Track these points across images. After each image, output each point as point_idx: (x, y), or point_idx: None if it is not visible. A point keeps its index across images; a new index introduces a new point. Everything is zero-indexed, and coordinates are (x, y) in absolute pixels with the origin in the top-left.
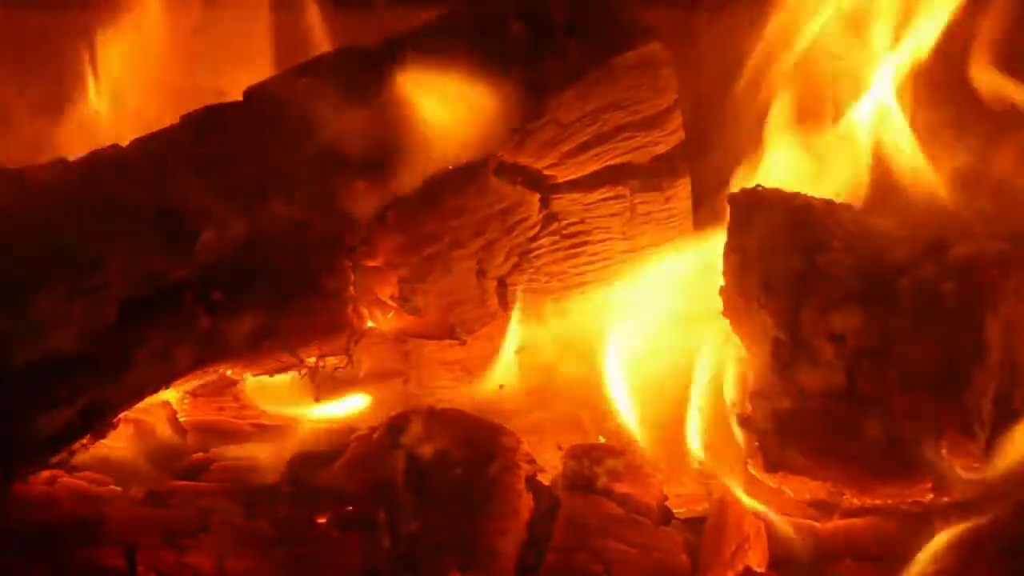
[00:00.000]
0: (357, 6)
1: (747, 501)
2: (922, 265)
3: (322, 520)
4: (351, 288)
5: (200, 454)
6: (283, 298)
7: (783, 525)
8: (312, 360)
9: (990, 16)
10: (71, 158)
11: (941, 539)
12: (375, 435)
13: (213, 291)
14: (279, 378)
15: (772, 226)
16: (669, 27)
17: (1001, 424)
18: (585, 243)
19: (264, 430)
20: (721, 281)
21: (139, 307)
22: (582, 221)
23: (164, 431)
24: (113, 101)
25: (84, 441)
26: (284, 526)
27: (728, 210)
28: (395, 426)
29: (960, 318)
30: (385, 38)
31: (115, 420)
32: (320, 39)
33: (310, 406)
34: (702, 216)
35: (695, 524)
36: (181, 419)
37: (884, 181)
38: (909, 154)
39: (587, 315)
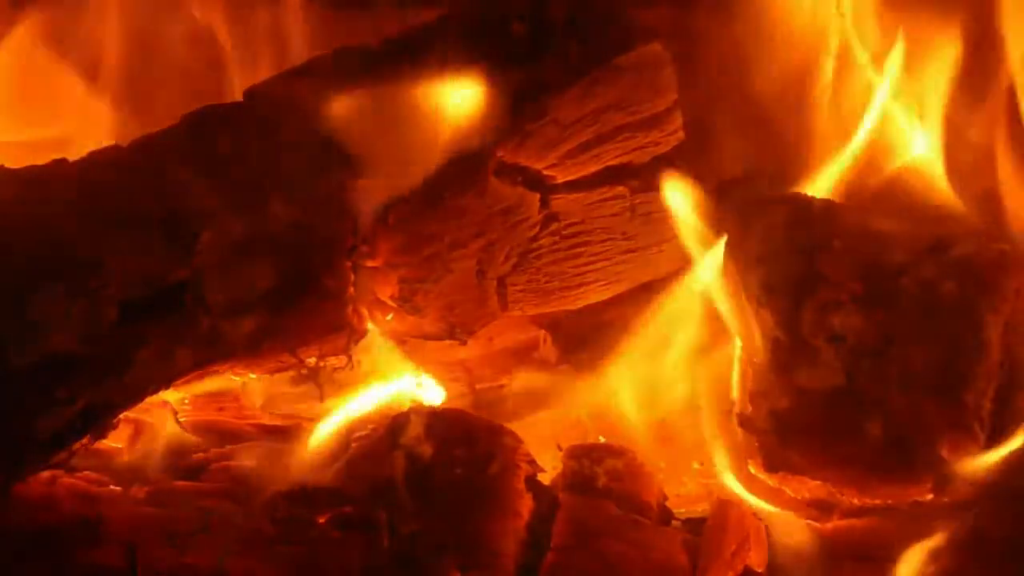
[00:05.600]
0: (357, 6)
1: (750, 501)
2: (922, 265)
3: (322, 520)
4: (351, 288)
5: (200, 454)
6: (283, 298)
7: (787, 524)
8: (312, 360)
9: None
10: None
11: (939, 539)
12: (375, 435)
13: (213, 291)
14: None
15: (772, 226)
16: (669, 27)
17: (1001, 424)
18: (585, 243)
19: (264, 430)
20: (721, 281)
21: (139, 308)
22: (582, 221)
23: (164, 431)
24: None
25: (84, 441)
26: (284, 526)
27: (728, 210)
28: (395, 426)
29: (960, 318)
30: (385, 38)
31: (115, 420)
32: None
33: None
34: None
35: (695, 524)
36: (181, 419)
37: (885, 181)
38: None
39: (587, 315)
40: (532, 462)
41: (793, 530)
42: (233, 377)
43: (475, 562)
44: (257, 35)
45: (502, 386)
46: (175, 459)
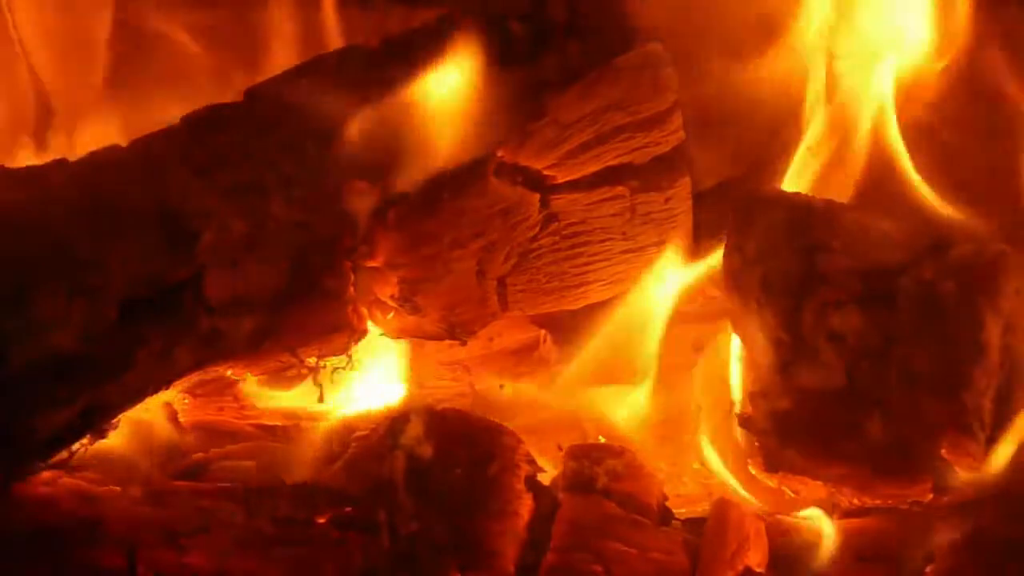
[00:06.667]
0: (357, 6)
1: (750, 501)
2: (922, 265)
3: (322, 520)
4: (351, 288)
5: (200, 454)
6: (283, 298)
7: (787, 524)
8: (312, 360)
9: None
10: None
11: (941, 539)
12: (375, 435)
13: (213, 291)
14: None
15: (772, 226)
16: (669, 26)
17: (1001, 424)
18: (585, 243)
19: (264, 430)
20: (722, 281)
21: (139, 307)
22: (582, 221)
23: (164, 431)
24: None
25: (84, 441)
26: (284, 526)
27: (728, 210)
28: (395, 426)
29: (960, 318)
30: (386, 38)
31: (115, 420)
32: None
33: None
34: (702, 216)
35: (695, 524)
36: (181, 419)
37: (885, 181)
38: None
39: (588, 315)
40: (532, 462)
41: (793, 530)
42: (233, 377)
43: (475, 562)
44: (258, 35)
45: (502, 386)
46: (175, 459)
